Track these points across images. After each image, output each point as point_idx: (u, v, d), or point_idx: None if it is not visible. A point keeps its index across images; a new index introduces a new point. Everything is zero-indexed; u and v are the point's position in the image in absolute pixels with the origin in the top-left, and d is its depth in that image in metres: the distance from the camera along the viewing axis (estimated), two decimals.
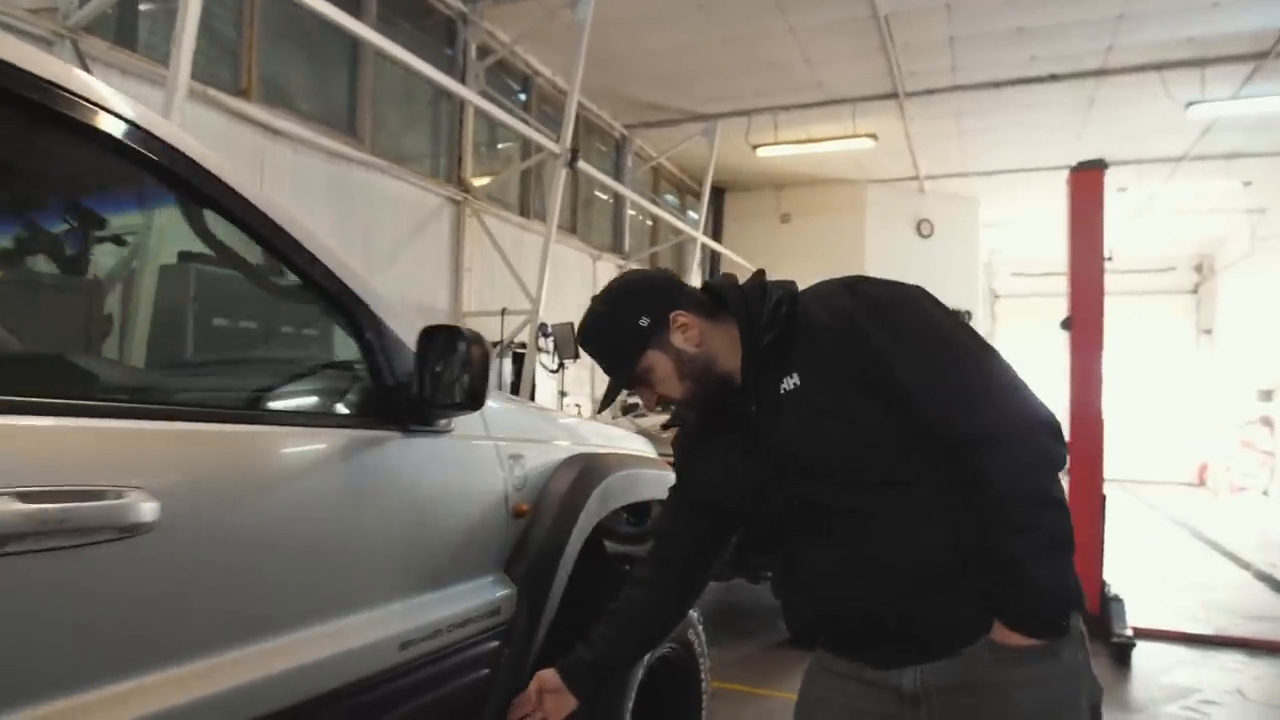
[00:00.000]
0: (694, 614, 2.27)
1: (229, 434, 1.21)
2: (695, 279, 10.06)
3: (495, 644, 1.67)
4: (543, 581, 1.79)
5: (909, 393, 1.21)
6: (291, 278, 1.47)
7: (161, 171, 1.22)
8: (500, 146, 8.45)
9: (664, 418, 2.80)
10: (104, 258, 1.76)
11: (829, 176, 11.89)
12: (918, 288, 1.32)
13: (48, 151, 1.22)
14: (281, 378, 1.60)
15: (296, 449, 1.31)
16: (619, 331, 1.38)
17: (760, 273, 1.43)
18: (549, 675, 1.52)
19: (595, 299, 1.44)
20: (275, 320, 1.71)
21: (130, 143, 1.15)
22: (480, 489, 1.69)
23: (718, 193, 13.11)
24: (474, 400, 1.41)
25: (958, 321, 1.29)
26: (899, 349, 1.23)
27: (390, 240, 6.23)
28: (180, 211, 1.50)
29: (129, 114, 1.14)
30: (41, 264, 1.53)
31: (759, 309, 1.32)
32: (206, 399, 1.40)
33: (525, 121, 7.06)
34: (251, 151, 5.12)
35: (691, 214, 11.86)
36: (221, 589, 1.14)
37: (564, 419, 2.26)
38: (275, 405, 1.46)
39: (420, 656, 1.45)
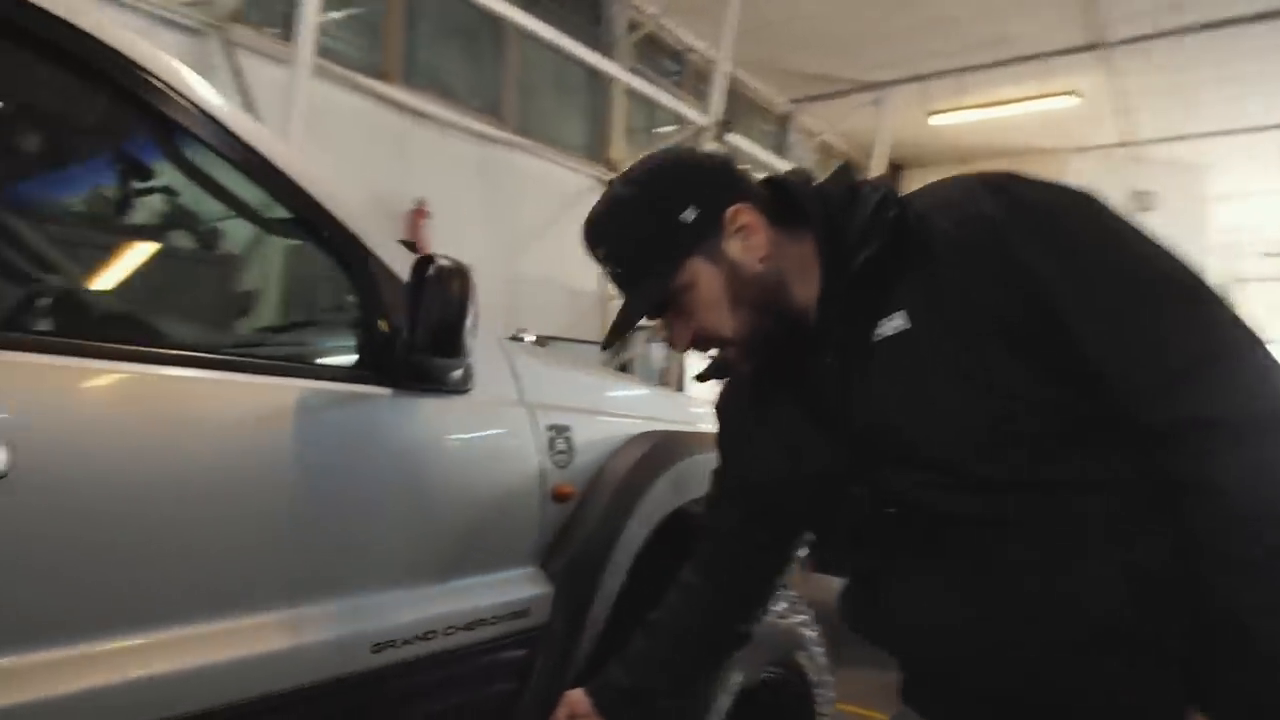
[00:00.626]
0: (809, 631, 1.86)
1: (121, 373, 0.97)
2: None
3: (520, 653, 1.36)
4: (588, 581, 1.46)
5: (1084, 349, 0.80)
6: (265, 202, 1.23)
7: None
8: (660, 130, 8.21)
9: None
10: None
11: (1023, 146, 10.66)
12: (1098, 195, 0.86)
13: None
14: (234, 318, 1.38)
15: (228, 400, 1.06)
16: (650, 224, 0.94)
17: (846, 168, 0.99)
18: (579, 698, 1.19)
19: (616, 179, 1.01)
20: (243, 250, 1.49)
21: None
22: (502, 463, 1.39)
23: (895, 170, 12.19)
24: (441, 346, 1.10)
25: (1164, 250, 0.83)
26: (1074, 282, 0.80)
27: (536, 220, 6.13)
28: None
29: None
30: None
31: (847, 216, 0.91)
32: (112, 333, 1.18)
33: (675, 96, 6.76)
34: (393, 134, 5.16)
35: None
36: (92, 556, 0.90)
37: (639, 388, 1.92)
38: (217, 347, 1.22)
39: (400, 663, 1.17)
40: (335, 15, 5.09)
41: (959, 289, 0.84)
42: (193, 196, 1.30)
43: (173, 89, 1.05)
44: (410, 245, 4.75)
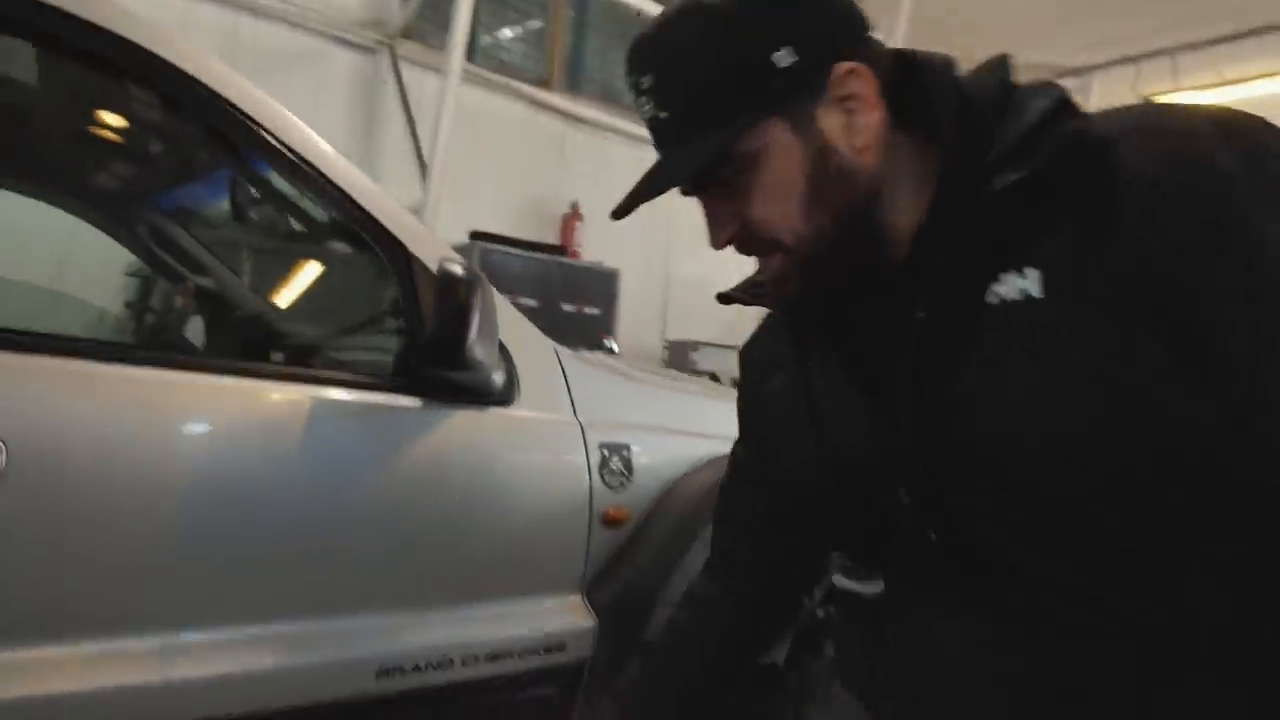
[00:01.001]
0: None
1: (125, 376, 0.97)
2: None
3: (549, 691, 1.27)
4: (638, 616, 1.34)
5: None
6: (310, 207, 1.22)
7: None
8: None
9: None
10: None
11: None
12: None
13: None
14: (271, 323, 1.37)
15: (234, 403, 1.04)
16: (727, 55, 0.67)
17: (1004, 60, 0.69)
18: None
19: None
20: (279, 252, 1.49)
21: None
22: (543, 480, 1.30)
23: None
24: (441, 358, 1.02)
25: None
26: None
27: (691, 224, 6.04)
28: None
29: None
30: None
31: (994, 122, 0.65)
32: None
33: None
34: (551, 138, 5.26)
35: None
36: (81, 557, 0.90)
37: (722, 403, 1.76)
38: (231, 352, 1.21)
39: (408, 692, 1.11)
40: (507, 32, 5.30)
41: (1139, 257, 0.58)
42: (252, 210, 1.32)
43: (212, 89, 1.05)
44: (560, 249, 4.86)
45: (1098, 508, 0.60)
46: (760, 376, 0.87)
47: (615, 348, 2.02)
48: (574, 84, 5.60)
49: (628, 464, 1.40)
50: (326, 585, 1.08)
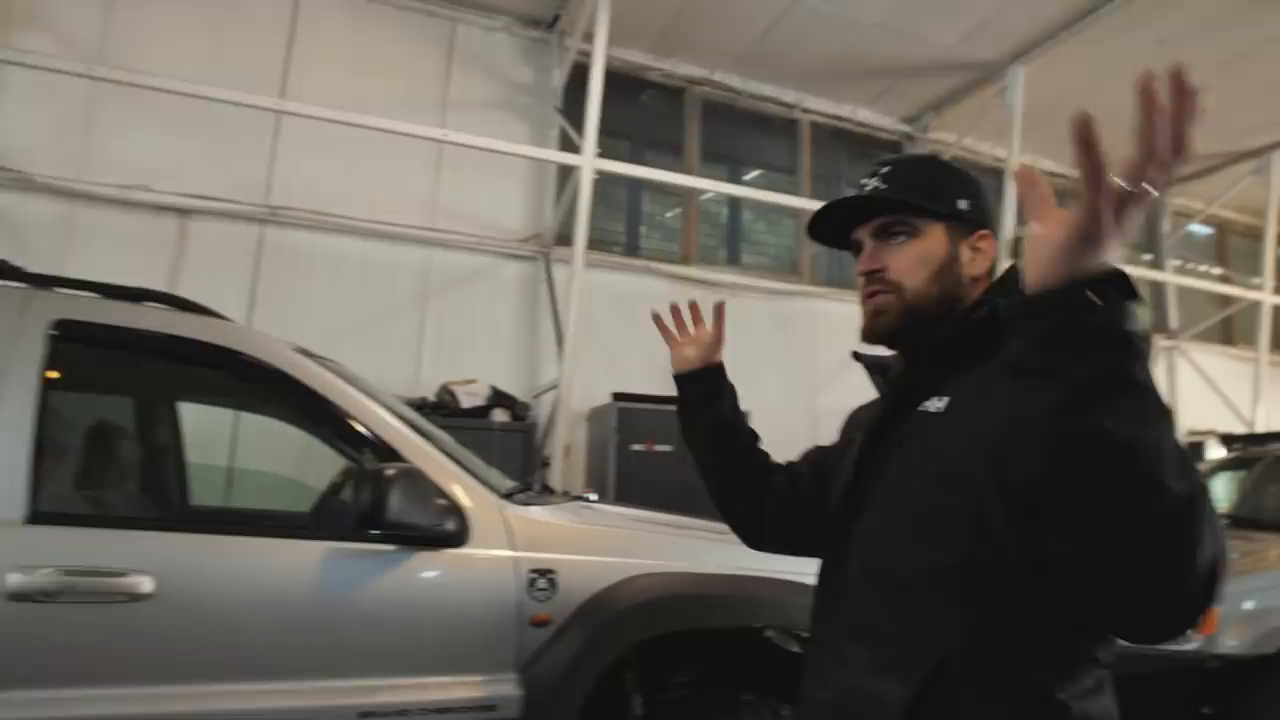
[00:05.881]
0: None
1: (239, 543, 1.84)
2: (1264, 355, 7.66)
3: None
4: (554, 688, 1.94)
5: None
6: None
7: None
8: None
9: None
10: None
11: None
12: None
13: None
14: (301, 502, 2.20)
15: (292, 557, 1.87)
16: (938, 182, 1.09)
17: (1012, 269, 1.08)
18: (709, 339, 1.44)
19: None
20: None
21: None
22: (482, 595, 1.97)
23: None
24: (364, 523, 1.78)
25: None
26: None
27: (834, 357, 6.49)
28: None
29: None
30: None
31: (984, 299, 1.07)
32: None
33: None
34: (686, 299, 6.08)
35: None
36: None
37: (652, 535, 2.33)
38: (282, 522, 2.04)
39: None
40: (650, 227, 6.35)
41: (1000, 415, 0.83)
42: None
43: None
44: None
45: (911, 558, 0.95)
46: (847, 436, 1.28)
47: (594, 497, 2.67)
48: (707, 258, 6.44)
49: (553, 582, 2.04)
50: (331, 660, 1.84)
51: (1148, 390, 0.71)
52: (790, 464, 1.40)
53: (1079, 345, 0.70)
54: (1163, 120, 0.65)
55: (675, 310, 1.48)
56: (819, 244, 1.20)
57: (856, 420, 1.28)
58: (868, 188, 1.10)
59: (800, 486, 1.34)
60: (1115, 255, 0.72)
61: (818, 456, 1.36)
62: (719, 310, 1.45)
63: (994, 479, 0.87)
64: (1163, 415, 0.71)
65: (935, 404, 1.00)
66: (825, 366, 6.49)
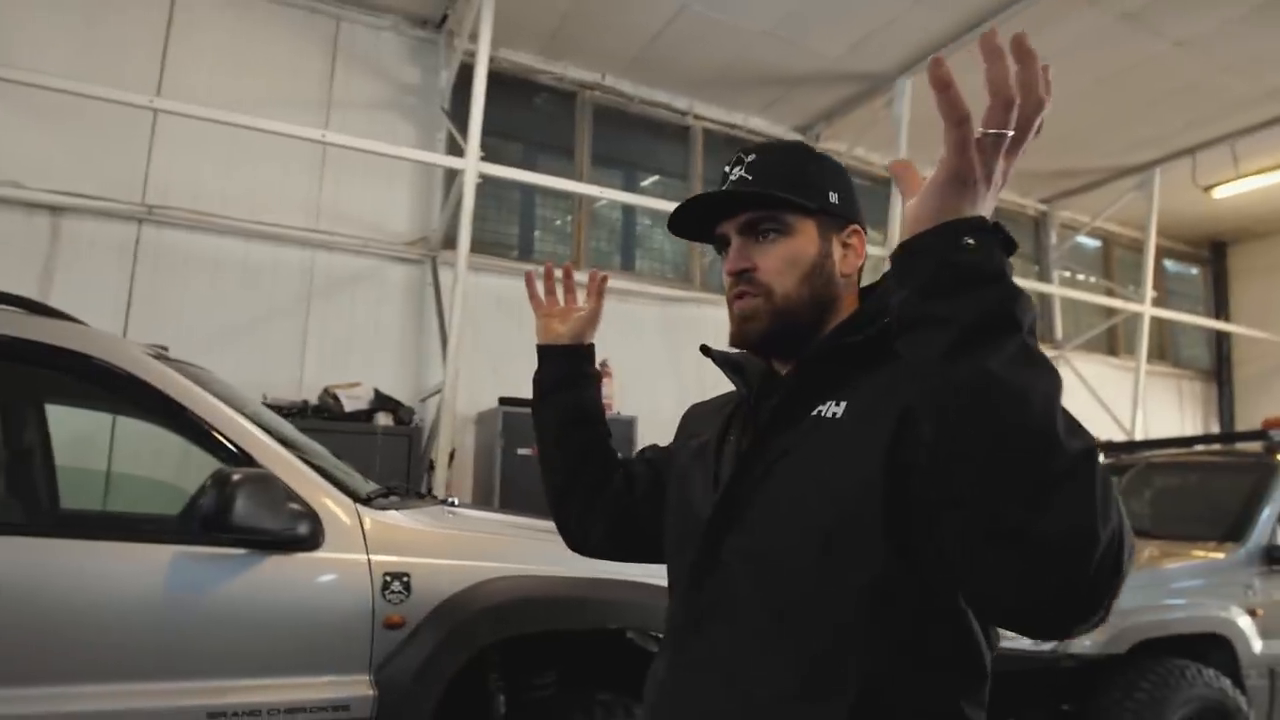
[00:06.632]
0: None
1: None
2: (1143, 365, 8.31)
3: None
4: (406, 688, 2.01)
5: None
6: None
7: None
8: None
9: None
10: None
11: None
12: None
13: None
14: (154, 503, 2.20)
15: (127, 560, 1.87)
16: (807, 173, 1.05)
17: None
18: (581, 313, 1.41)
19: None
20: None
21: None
22: (336, 598, 2.02)
23: (1216, 248, 10.67)
24: (207, 525, 1.81)
25: None
26: None
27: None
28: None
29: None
30: None
31: (873, 305, 1.03)
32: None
33: None
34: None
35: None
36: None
37: (513, 540, 2.42)
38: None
39: None
40: (544, 231, 6.40)
41: (881, 405, 0.89)
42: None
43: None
44: None
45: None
46: (689, 434, 1.23)
47: (455, 501, 2.74)
48: (600, 263, 6.54)
49: (407, 586, 2.10)
50: (181, 661, 1.85)
51: (1033, 341, 0.71)
52: (626, 462, 1.37)
53: (957, 285, 0.71)
54: (1008, 68, 0.68)
55: (549, 271, 1.44)
56: (681, 239, 1.16)
57: (697, 417, 1.25)
58: (733, 177, 1.05)
59: (637, 488, 1.31)
60: (988, 209, 0.74)
61: (655, 456, 1.34)
62: (597, 284, 1.40)
63: (901, 471, 0.86)
64: (1051, 373, 0.70)
65: (831, 408, 0.96)
66: (714, 371, 6.64)
